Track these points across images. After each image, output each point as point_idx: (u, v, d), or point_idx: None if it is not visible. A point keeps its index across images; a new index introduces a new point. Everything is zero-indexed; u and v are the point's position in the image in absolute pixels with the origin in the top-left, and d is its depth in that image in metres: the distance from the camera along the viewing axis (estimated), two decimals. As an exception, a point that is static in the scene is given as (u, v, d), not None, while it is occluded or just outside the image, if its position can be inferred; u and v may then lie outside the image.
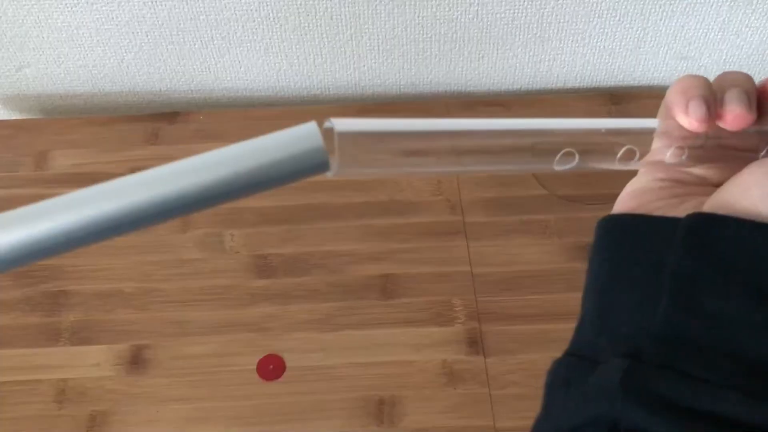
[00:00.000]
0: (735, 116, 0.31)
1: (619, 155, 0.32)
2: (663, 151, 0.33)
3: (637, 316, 0.30)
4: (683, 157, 0.33)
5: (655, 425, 0.27)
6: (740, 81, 0.32)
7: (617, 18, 0.87)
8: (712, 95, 0.31)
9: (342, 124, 0.27)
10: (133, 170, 0.96)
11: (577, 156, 0.31)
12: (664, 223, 0.32)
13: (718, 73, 0.33)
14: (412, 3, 0.84)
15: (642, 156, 0.32)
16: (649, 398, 0.27)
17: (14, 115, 0.98)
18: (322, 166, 0.26)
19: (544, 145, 0.30)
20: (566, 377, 0.32)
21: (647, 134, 0.32)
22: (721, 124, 0.31)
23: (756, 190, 0.29)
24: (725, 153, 0.33)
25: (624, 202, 0.35)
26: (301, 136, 0.26)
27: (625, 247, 0.32)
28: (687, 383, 0.28)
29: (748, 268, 0.28)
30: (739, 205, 0.30)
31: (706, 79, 0.32)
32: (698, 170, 0.35)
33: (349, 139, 0.27)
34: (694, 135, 0.32)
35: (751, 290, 0.28)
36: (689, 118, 0.31)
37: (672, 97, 0.32)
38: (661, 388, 0.28)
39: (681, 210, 0.32)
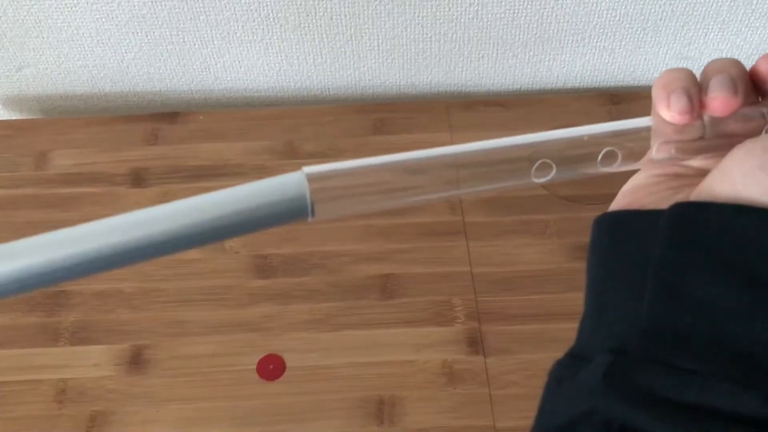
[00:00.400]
0: (719, 102, 0.30)
1: (599, 158, 0.31)
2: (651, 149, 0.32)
3: (629, 312, 0.30)
4: (672, 152, 0.32)
5: (640, 420, 0.26)
6: (725, 67, 0.31)
7: (617, 18, 0.87)
8: (695, 86, 0.31)
9: (311, 169, 0.28)
10: (133, 170, 0.96)
11: (554, 166, 0.30)
12: (652, 217, 0.31)
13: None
14: (412, 3, 0.84)
15: (625, 156, 0.32)
16: (632, 392, 0.27)
17: (14, 116, 0.98)
18: (302, 211, 0.27)
19: (531, 158, 0.30)
20: (559, 376, 0.31)
21: (640, 133, 0.32)
22: (708, 112, 0.31)
23: (736, 172, 0.28)
24: (729, 141, 0.32)
25: (619, 200, 0.35)
26: (283, 184, 0.27)
27: (618, 245, 0.32)
28: (672, 375, 0.27)
29: (732, 253, 0.28)
30: (720, 189, 0.29)
31: (688, 71, 0.31)
32: (699, 162, 0.34)
33: (320, 181, 0.27)
34: (687, 128, 0.31)
35: (737, 275, 0.27)
36: (671, 112, 0.30)
37: (655, 93, 0.31)
38: (646, 382, 0.27)
39: (673, 201, 0.32)
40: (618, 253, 0.32)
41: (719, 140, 0.32)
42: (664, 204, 0.32)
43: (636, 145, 0.32)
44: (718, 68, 0.31)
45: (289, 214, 0.27)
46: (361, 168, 0.28)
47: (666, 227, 0.30)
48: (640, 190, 0.34)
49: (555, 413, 0.30)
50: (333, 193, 0.28)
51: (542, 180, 0.31)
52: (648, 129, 0.32)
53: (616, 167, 0.32)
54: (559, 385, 0.31)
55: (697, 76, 0.32)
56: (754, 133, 0.32)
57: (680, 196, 0.32)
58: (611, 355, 0.28)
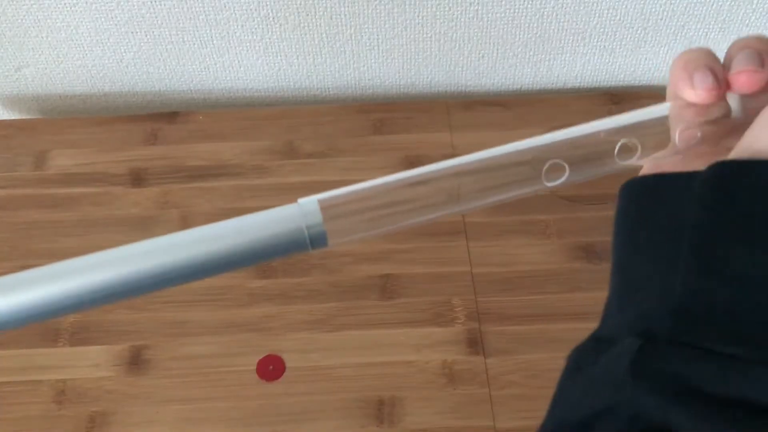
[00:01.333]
0: (744, 76, 0.27)
1: (616, 151, 0.29)
2: (675, 137, 0.29)
3: (659, 288, 0.26)
4: (698, 135, 0.29)
5: (673, 416, 0.23)
6: (749, 42, 0.28)
7: (617, 18, 0.87)
8: (717, 63, 0.28)
9: (314, 199, 0.27)
10: (133, 170, 0.96)
11: (567, 167, 0.28)
12: (685, 180, 0.27)
13: None
14: (412, 2, 0.84)
15: (644, 147, 0.29)
16: (664, 384, 0.23)
17: (13, 115, 0.98)
18: (319, 240, 0.27)
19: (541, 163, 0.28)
20: (578, 361, 0.28)
21: (659, 123, 0.29)
22: (734, 90, 0.28)
23: None
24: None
25: (646, 170, 0.31)
26: (288, 215, 0.27)
27: (647, 213, 0.28)
28: (710, 362, 0.23)
29: None
30: (764, 145, 0.25)
31: (708, 50, 0.29)
32: (730, 143, 0.30)
33: (330, 208, 0.27)
34: (711, 109, 0.29)
35: None
36: (696, 90, 0.28)
37: (675, 73, 0.29)
38: (679, 370, 0.23)
39: (706, 156, 0.29)
40: (647, 223, 0.28)
41: (749, 118, 0.29)
42: (694, 162, 0.29)
43: (656, 135, 0.29)
44: (742, 45, 0.28)
45: (301, 245, 0.26)
46: (365, 190, 0.28)
47: (703, 190, 0.26)
48: (668, 160, 0.31)
49: (575, 405, 0.27)
50: (344, 221, 0.27)
51: (556, 183, 0.29)
52: (665, 117, 0.29)
53: (635, 160, 0.29)
54: (578, 371, 0.28)
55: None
56: None
57: (700, 151, 0.29)
58: (639, 339, 0.25)
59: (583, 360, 0.28)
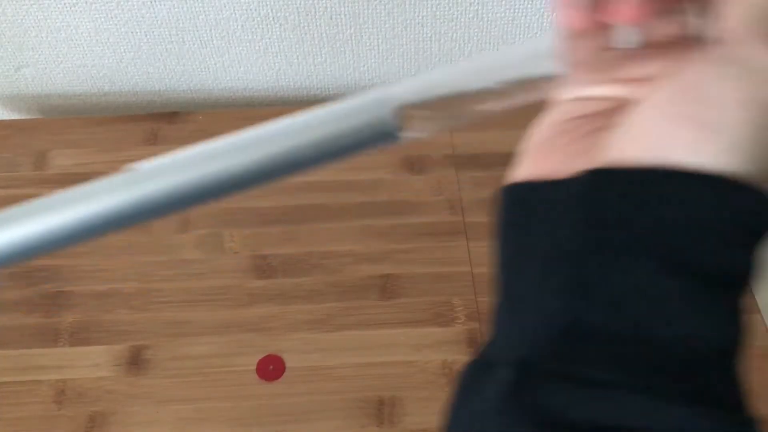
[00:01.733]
0: (627, 9, 0.23)
1: (490, 100, 0.27)
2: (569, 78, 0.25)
3: (537, 311, 0.24)
4: (588, 69, 0.25)
5: None
6: None
7: (617, 18, 0.87)
8: None
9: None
10: (133, 170, 0.93)
11: (429, 118, 0.27)
12: (565, 187, 0.25)
13: None
14: (412, 2, 0.84)
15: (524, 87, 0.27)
16: (540, 418, 0.22)
17: (13, 115, 0.98)
18: (393, 134, 0.26)
19: None
20: (464, 385, 0.27)
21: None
22: (613, 21, 0.24)
23: (650, 121, 0.23)
24: (654, 52, 0.25)
25: (526, 162, 0.28)
26: (370, 105, 0.27)
27: (526, 225, 0.26)
28: (585, 391, 0.22)
29: (655, 231, 0.22)
30: (634, 145, 0.23)
31: None
32: (613, 89, 0.27)
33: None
34: (594, 40, 0.25)
35: (662, 258, 0.22)
36: (562, 11, 0.24)
37: None
38: (556, 403, 0.22)
39: (588, 154, 0.25)
40: (527, 236, 0.26)
41: (643, 51, 0.25)
42: (576, 161, 0.26)
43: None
44: None
45: (380, 136, 0.26)
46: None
47: (572, 203, 0.24)
48: (545, 143, 0.28)
49: (467, 426, 0.26)
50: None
51: (418, 134, 0.27)
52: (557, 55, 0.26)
53: (516, 101, 0.27)
54: (467, 396, 0.27)
55: None
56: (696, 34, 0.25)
57: (583, 146, 0.26)
58: (515, 369, 0.24)
59: (469, 384, 0.27)
